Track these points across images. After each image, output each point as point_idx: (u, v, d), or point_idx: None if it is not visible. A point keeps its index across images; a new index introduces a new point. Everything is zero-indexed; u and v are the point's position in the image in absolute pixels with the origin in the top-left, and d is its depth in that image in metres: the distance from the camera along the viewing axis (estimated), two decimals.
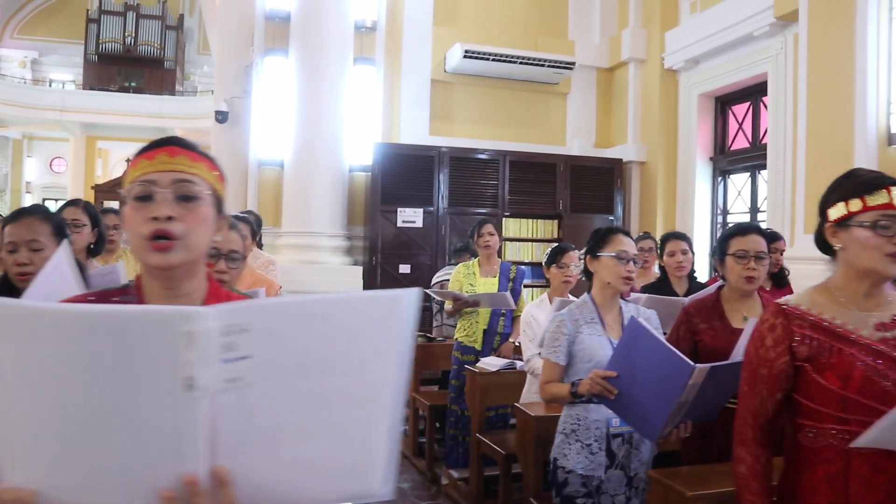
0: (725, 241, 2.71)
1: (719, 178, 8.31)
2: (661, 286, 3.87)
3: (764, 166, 7.35)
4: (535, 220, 8.37)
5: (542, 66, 8.55)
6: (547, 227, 8.45)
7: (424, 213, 7.89)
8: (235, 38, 8.51)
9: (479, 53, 8.26)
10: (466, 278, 4.51)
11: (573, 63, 8.62)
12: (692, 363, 2.02)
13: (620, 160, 8.69)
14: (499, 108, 8.88)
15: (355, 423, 0.98)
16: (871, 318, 1.64)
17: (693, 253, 3.95)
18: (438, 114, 8.63)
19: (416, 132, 8.43)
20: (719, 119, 8.33)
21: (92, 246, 3.20)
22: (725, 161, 8.19)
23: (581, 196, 8.44)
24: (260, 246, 4.56)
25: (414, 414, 4.94)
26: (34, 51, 22.70)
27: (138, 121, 21.02)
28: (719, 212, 8.34)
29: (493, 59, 8.33)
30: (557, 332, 2.51)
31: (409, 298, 0.99)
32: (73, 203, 3.25)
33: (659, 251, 4.15)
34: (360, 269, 7.90)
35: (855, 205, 1.64)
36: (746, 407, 1.71)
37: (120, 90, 21.82)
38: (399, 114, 8.48)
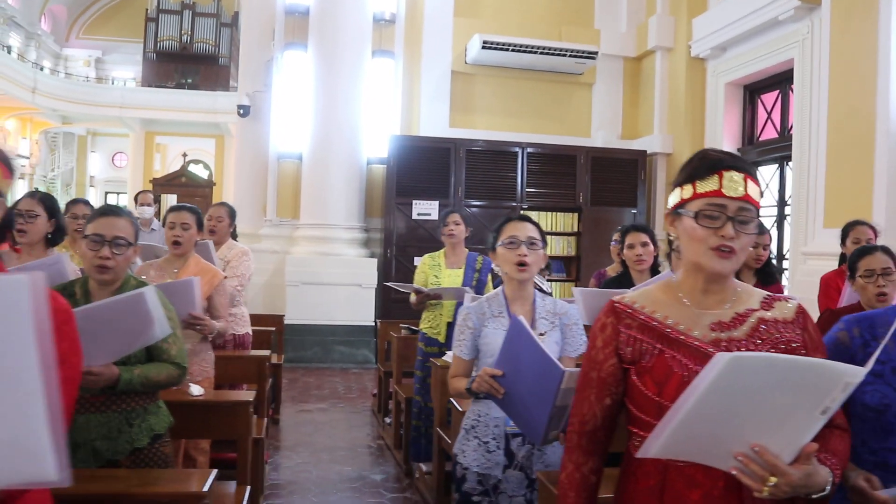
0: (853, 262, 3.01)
1: None
2: (622, 280, 3.74)
3: (792, 157, 7.03)
4: (554, 214, 8.23)
5: (564, 55, 8.39)
6: (567, 221, 8.30)
7: (440, 205, 7.83)
8: (258, 33, 8.64)
9: (498, 44, 8.15)
10: (432, 269, 4.44)
11: (595, 52, 8.42)
12: (562, 367, 1.93)
13: (644, 152, 8.46)
14: (521, 100, 8.75)
15: (6, 408, 0.99)
16: (707, 316, 1.48)
17: (655, 245, 3.79)
18: (459, 106, 8.57)
19: (436, 124, 8.39)
20: (748, 108, 8.02)
21: (49, 236, 3.27)
22: (754, 152, 7.87)
23: (602, 189, 8.25)
24: (234, 237, 4.60)
25: (396, 406, 4.93)
26: (98, 50, 23.59)
27: (194, 116, 21.60)
28: None
29: (513, 50, 8.21)
30: (463, 326, 2.44)
31: (21, 284, 0.97)
32: (29, 195, 3.32)
33: (620, 243, 4.01)
34: (374, 262, 7.92)
35: (687, 191, 1.47)
36: (576, 412, 1.59)
37: (176, 87, 22.47)
38: (419, 106, 8.46)
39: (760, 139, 7.89)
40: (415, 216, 7.87)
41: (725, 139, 7.97)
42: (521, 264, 2.40)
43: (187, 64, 23.09)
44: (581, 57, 8.43)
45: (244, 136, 8.90)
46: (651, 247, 3.71)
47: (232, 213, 4.50)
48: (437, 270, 4.42)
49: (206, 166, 24.29)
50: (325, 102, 7.87)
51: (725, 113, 7.97)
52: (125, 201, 23.26)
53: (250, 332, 4.47)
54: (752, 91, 7.97)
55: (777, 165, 7.61)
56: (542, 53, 8.31)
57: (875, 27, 5.69)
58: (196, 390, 2.99)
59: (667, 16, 8.50)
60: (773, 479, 1.21)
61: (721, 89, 8.00)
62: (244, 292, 4.42)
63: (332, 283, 7.68)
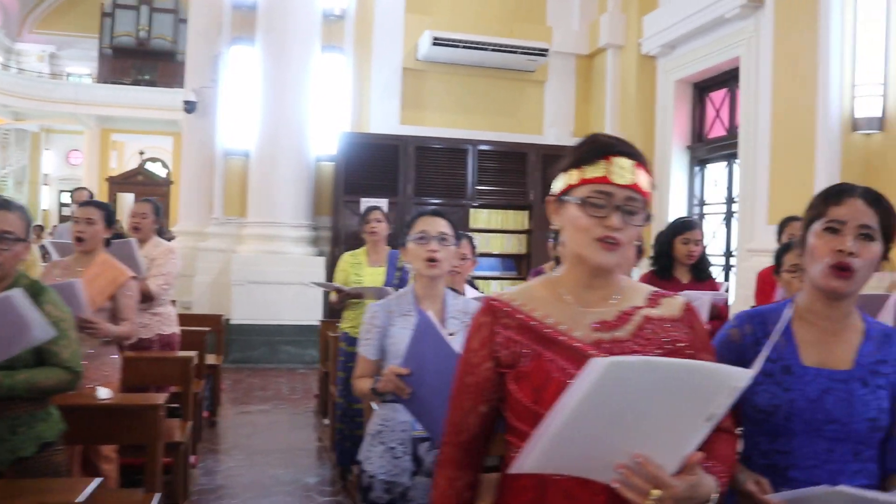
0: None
1: (696, 168, 8.03)
2: None
3: (738, 155, 7.06)
4: (505, 211, 8.18)
5: (515, 52, 8.34)
6: (518, 218, 8.25)
7: (389, 203, 7.73)
8: (205, 28, 8.46)
9: (448, 41, 8.08)
10: (353, 268, 4.34)
11: (546, 50, 8.39)
12: None
13: None
14: (473, 97, 8.69)
15: None
16: (590, 315, 1.38)
17: None
18: (410, 102, 8.48)
19: (387, 121, 8.30)
20: (697, 106, 8.05)
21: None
22: (703, 149, 7.91)
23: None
24: (161, 234, 4.46)
25: (332, 408, 4.83)
26: (52, 45, 22.97)
27: (151, 113, 21.16)
28: (696, 202, 8.06)
29: (464, 47, 8.15)
30: (370, 325, 2.34)
31: None
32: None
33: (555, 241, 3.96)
34: (322, 260, 7.81)
35: (573, 176, 1.36)
36: (449, 420, 1.48)
37: (133, 83, 21.97)
38: (369, 103, 8.35)
39: (709, 137, 7.92)
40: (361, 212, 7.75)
41: (675, 137, 8.00)
42: (431, 260, 2.31)
43: (144, 60, 22.62)
44: (532, 54, 8.39)
45: (191, 132, 8.71)
46: None
47: (157, 210, 4.36)
48: (358, 269, 4.32)
49: (165, 164, 23.85)
50: (272, 98, 7.73)
51: (675, 110, 7.99)
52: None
53: (178, 332, 4.33)
54: (702, 89, 8.00)
55: (726, 163, 7.65)
56: (493, 50, 8.26)
57: (815, 25, 5.72)
58: (104, 393, 2.87)
59: (618, 13, 8.50)
60: (655, 493, 1.12)
61: (671, 87, 8.02)
62: (170, 290, 4.27)
63: (279, 283, 7.54)
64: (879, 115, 5.45)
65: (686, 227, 3.85)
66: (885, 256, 1.61)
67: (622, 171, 1.33)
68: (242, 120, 8.09)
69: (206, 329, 5.03)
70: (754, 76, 6.66)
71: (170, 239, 5.51)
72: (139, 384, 3.75)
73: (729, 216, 7.54)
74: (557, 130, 8.82)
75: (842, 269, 1.52)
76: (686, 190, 8.06)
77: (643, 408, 1.11)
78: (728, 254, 7.50)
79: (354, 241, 7.77)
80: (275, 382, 7.00)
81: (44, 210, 23.02)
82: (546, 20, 8.94)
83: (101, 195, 22.13)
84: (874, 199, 1.56)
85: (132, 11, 22.24)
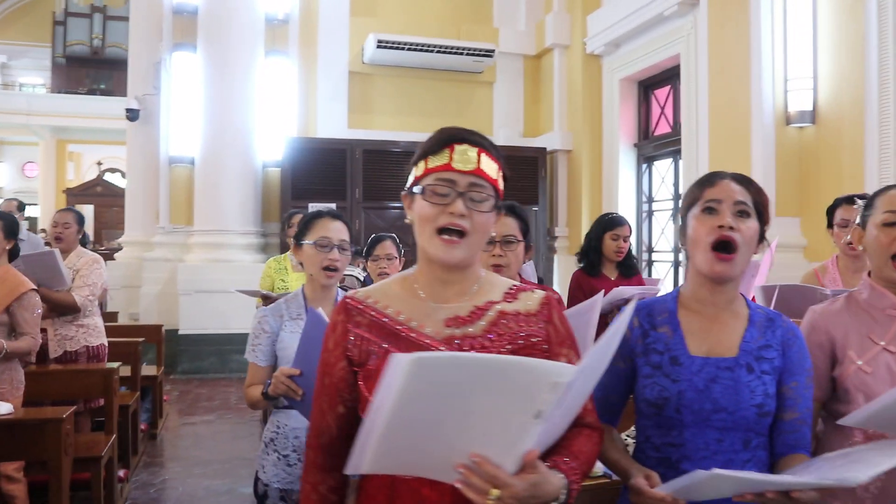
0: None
1: (644, 165, 8.08)
2: None
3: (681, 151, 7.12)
4: None
5: (462, 54, 8.34)
6: None
7: (337, 207, 7.66)
8: (146, 34, 8.33)
9: (393, 43, 8.05)
10: (278, 273, 4.31)
11: (493, 51, 8.40)
12: None
13: (544, 149, 8.47)
14: (421, 99, 8.67)
15: None
16: (443, 310, 1.36)
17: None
18: (357, 106, 8.43)
19: (334, 125, 8.24)
20: (642, 104, 8.11)
21: None
22: (650, 147, 7.96)
23: (505, 186, 8.19)
24: (84, 244, 4.37)
25: None
26: (3, 55, 22.53)
27: (107, 123, 20.76)
28: (644, 199, 8.11)
29: (409, 49, 8.12)
30: (259, 330, 2.29)
31: None
32: None
33: None
34: None
35: (420, 168, 1.36)
36: (311, 423, 1.47)
37: (88, 93, 21.60)
38: (316, 107, 8.29)
39: (655, 134, 7.98)
40: None
41: (622, 134, 8.05)
42: (330, 269, 2.28)
43: (99, 69, 22.24)
44: (478, 55, 8.40)
45: (134, 140, 8.58)
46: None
47: (80, 220, 4.27)
48: (283, 274, 4.28)
49: (124, 175, 23.48)
50: (216, 105, 7.63)
51: (621, 108, 8.04)
52: (36, 212, 22.34)
53: (105, 344, 4.24)
54: (646, 86, 8.06)
55: (671, 160, 7.71)
56: (438, 52, 8.25)
57: (747, 21, 5.79)
58: (3, 408, 2.79)
59: (563, 13, 8.54)
60: (495, 492, 1.09)
61: (616, 85, 8.07)
62: (95, 302, 4.18)
63: (227, 291, 7.41)
64: (811, 108, 5.54)
65: (615, 223, 3.87)
66: (761, 237, 1.62)
67: (464, 157, 1.32)
68: (187, 127, 7.98)
69: (139, 340, 4.93)
70: (693, 73, 6.72)
71: (108, 249, 5.40)
72: (61, 398, 3.66)
73: (676, 213, 7.61)
74: (507, 131, 8.83)
75: (724, 249, 1.52)
76: (634, 187, 8.12)
77: (465, 405, 1.08)
78: (677, 249, 7.56)
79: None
80: (223, 392, 6.90)
81: None
82: (493, 21, 8.96)
83: (60, 207, 21.77)
84: (744, 179, 1.60)
85: (85, 19, 21.88)
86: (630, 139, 8.09)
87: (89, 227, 21.66)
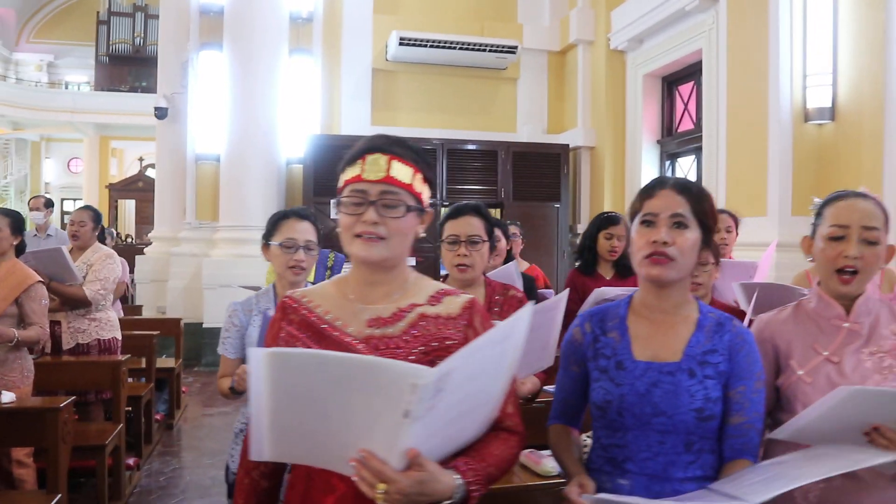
0: None
1: (667, 161, 8.00)
2: None
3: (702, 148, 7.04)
4: None
5: (485, 50, 8.36)
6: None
7: None
8: (174, 33, 8.52)
9: (415, 40, 8.10)
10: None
11: (516, 47, 8.40)
12: None
13: (567, 146, 8.44)
14: (444, 96, 8.70)
15: None
16: (368, 311, 1.42)
17: (508, 238, 3.80)
18: (381, 103, 8.50)
19: (358, 122, 8.32)
20: (666, 100, 8.02)
21: None
22: (673, 143, 7.88)
23: (525, 184, 8.21)
24: (102, 241, 4.51)
25: None
26: (50, 54, 23.23)
27: (148, 120, 21.18)
28: None
29: (431, 46, 8.16)
30: (229, 323, 2.38)
31: None
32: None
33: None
34: None
35: (341, 180, 1.43)
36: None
37: (130, 90, 22.17)
38: (339, 104, 8.38)
39: (679, 130, 7.89)
40: (334, 216, 7.77)
41: (645, 131, 7.98)
42: (296, 268, 2.35)
43: (141, 67, 22.78)
44: (502, 52, 8.40)
45: (163, 138, 8.79)
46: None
47: (95, 218, 4.41)
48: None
49: None
50: (241, 103, 7.78)
51: (644, 105, 7.97)
52: None
53: (118, 337, 4.37)
54: (670, 82, 7.97)
55: (694, 157, 7.62)
56: (461, 49, 8.27)
57: (766, 16, 5.70)
58: (6, 397, 2.91)
59: (587, 8, 8.49)
60: (381, 486, 1.14)
61: (640, 81, 8.00)
62: (109, 296, 4.31)
63: (248, 286, 7.56)
64: (830, 105, 5.43)
65: (609, 221, 3.84)
66: (707, 242, 1.62)
67: (374, 166, 1.37)
68: (213, 125, 8.14)
69: (154, 333, 5.07)
70: (715, 69, 6.64)
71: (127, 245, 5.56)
72: (72, 388, 3.80)
73: None
74: (531, 128, 8.81)
75: (657, 257, 1.55)
76: None
77: (337, 401, 1.13)
78: None
79: (326, 243, 7.81)
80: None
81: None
82: (517, 17, 8.94)
83: (102, 203, 22.34)
84: (683, 187, 1.59)
85: (128, 19, 22.43)
86: (653, 136, 8.02)
87: (130, 223, 22.25)
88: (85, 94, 21.83)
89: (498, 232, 3.71)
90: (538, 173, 8.27)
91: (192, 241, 8.19)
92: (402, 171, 1.38)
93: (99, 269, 4.21)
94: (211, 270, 7.69)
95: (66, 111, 20.89)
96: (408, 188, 1.39)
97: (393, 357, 1.28)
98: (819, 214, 1.79)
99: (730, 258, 4.03)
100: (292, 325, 1.45)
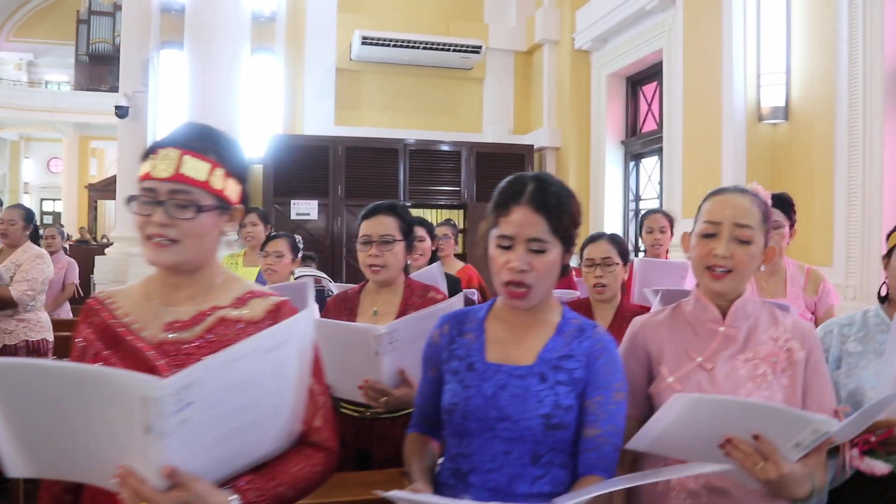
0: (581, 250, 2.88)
1: (631, 162, 7.95)
2: None
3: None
4: (438, 211, 8.11)
5: (449, 50, 8.28)
6: (452, 218, 8.17)
7: (319, 205, 7.69)
8: (136, 31, 8.41)
9: (378, 40, 8.02)
10: (230, 267, 4.33)
11: (480, 47, 8.33)
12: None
13: (531, 146, 8.37)
14: (409, 96, 8.62)
15: None
16: (168, 314, 1.35)
17: (432, 238, 3.73)
18: (344, 103, 8.42)
19: (321, 122, 8.23)
20: (630, 100, 7.97)
21: None
22: (637, 144, 7.83)
23: (489, 184, 8.05)
24: (35, 240, 4.42)
25: None
26: (29, 53, 23.05)
27: None
28: (632, 197, 7.98)
29: (394, 45, 8.08)
30: None
31: None
32: None
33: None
34: None
35: (139, 173, 1.36)
36: None
37: (110, 90, 21.94)
38: (303, 104, 8.30)
39: (643, 131, 7.84)
40: (293, 216, 7.72)
41: (609, 131, 7.92)
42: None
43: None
44: (466, 51, 8.33)
45: (125, 137, 8.67)
46: (428, 241, 3.66)
47: (27, 217, 4.32)
48: (234, 269, 4.30)
49: None
50: (201, 101, 7.65)
51: (608, 105, 7.92)
52: (61, 208, 22.81)
53: (49, 339, 4.29)
54: (634, 83, 7.92)
55: (657, 157, 7.57)
56: (425, 48, 8.20)
57: (720, 15, 5.65)
58: None
59: (553, 8, 8.42)
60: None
61: (604, 81, 7.95)
62: (39, 296, 4.22)
63: None
64: (783, 104, 5.38)
65: None
66: (568, 249, 1.55)
67: (164, 163, 1.30)
68: (174, 124, 8.03)
69: None
70: (674, 69, 6.59)
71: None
72: None
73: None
74: (497, 128, 8.75)
75: (517, 286, 1.47)
76: (622, 185, 7.99)
77: (77, 414, 1.05)
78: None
79: None
80: None
81: None
82: (483, 17, 8.87)
83: (82, 203, 22.20)
84: (540, 203, 1.48)
85: (108, 18, 22.28)
86: (617, 136, 7.97)
87: (111, 223, 22.08)
88: (64, 94, 21.68)
89: (422, 231, 3.66)
90: (502, 174, 7.92)
91: None
92: (196, 168, 1.30)
93: (27, 270, 4.12)
94: None
95: (45, 110, 20.73)
96: (202, 186, 1.31)
97: (183, 364, 1.21)
98: (699, 210, 1.71)
99: (665, 258, 3.98)
100: (91, 327, 1.38)
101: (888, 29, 4.57)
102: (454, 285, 3.46)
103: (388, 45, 8.05)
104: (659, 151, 7.46)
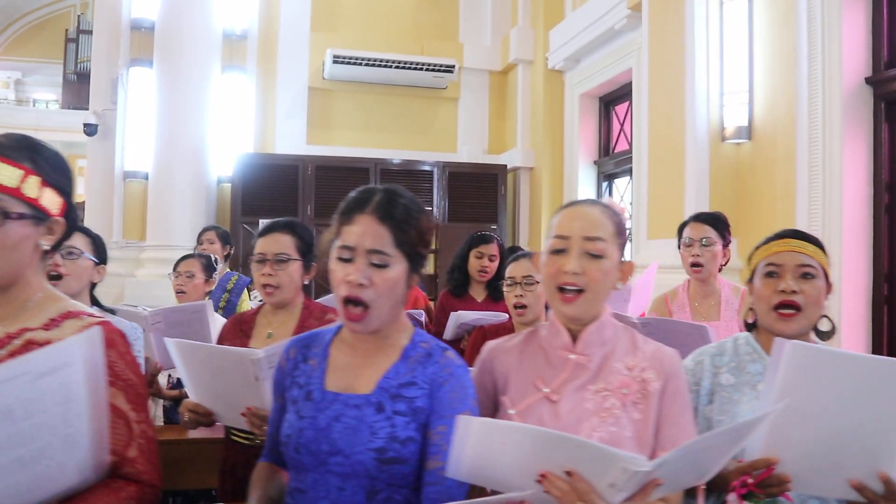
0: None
1: (604, 182, 7.87)
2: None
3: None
4: None
5: (421, 69, 8.23)
6: None
7: None
8: (106, 49, 8.36)
9: (349, 58, 7.97)
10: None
11: (453, 66, 8.28)
12: None
13: (505, 166, 8.31)
14: (382, 115, 8.56)
15: None
16: None
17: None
18: (317, 122, 8.35)
19: (293, 141, 8.17)
20: (603, 120, 7.91)
21: None
22: (610, 164, 7.76)
23: (461, 204, 8.06)
24: None
25: None
26: (18, 71, 23.03)
27: None
28: None
29: (366, 64, 8.03)
30: None
31: None
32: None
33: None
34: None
35: None
36: None
37: None
38: (275, 123, 8.23)
39: (615, 151, 7.78)
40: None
41: (582, 152, 7.86)
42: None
43: None
44: (439, 71, 8.28)
45: (93, 155, 8.59)
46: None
47: None
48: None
49: None
50: (169, 120, 7.60)
51: (581, 125, 7.86)
52: None
53: None
54: (607, 102, 7.87)
55: (629, 177, 7.49)
56: (397, 67, 8.14)
57: (682, 34, 5.61)
58: None
59: (527, 28, 8.39)
60: None
61: (576, 101, 7.90)
62: None
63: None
64: (746, 123, 5.32)
65: (480, 240, 3.69)
66: (415, 269, 1.45)
67: None
68: (143, 142, 7.97)
69: None
70: (642, 88, 6.53)
71: None
72: None
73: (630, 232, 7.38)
74: (471, 148, 8.68)
75: (355, 304, 1.38)
76: None
77: None
78: None
79: (233, 265, 7.64)
80: None
81: None
82: (458, 36, 8.84)
83: None
84: (386, 213, 1.39)
85: None
86: (590, 156, 7.90)
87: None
88: (50, 112, 21.63)
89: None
90: (474, 194, 8.12)
91: (118, 261, 7.95)
92: (5, 174, 1.22)
93: None
94: (135, 291, 7.47)
95: (31, 129, 20.63)
96: (13, 192, 1.22)
97: None
98: (550, 226, 1.61)
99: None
100: None
101: (846, 47, 4.52)
102: None
103: (360, 64, 7.99)
104: (630, 171, 7.39)
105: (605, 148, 7.88)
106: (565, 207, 1.55)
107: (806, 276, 1.68)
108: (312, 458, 1.36)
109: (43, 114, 21.24)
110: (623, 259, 1.53)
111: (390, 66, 8.11)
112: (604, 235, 1.47)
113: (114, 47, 8.27)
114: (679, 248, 3.04)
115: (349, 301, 1.37)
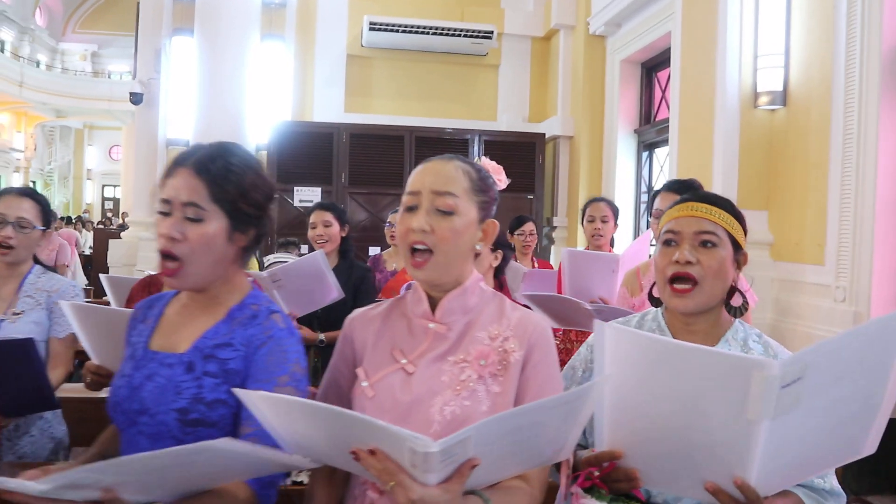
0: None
1: (644, 152, 7.61)
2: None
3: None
4: None
5: (460, 36, 8.09)
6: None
7: (322, 192, 7.64)
8: (151, 18, 8.52)
9: (385, 25, 7.90)
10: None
11: (491, 32, 8.11)
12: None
13: (543, 135, 8.11)
14: (421, 83, 8.47)
15: None
16: None
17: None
18: (355, 90, 8.34)
19: (331, 109, 8.18)
20: (645, 88, 7.62)
21: None
22: (651, 132, 7.48)
23: None
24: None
25: None
26: (94, 44, 23.90)
27: None
28: (644, 188, 7.64)
29: (403, 31, 7.94)
30: None
31: None
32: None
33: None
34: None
35: None
36: None
37: None
38: (313, 91, 8.26)
39: (657, 119, 7.49)
40: (297, 203, 7.69)
41: (621, 119, 7.60)
42: (4, 246, 2.32)
43: None
44: (478, 37, 8.12)
45: (140, 124, 8.82)
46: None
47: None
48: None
49: None
50: (209, 88, 7.70)
51: (622, 92, 7.59)
52: (121, 194, 23.59)
53: None
54: (649, 68, 7.57)
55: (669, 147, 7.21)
56: (435, 34, 8.02)
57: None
58: None
59: None
60: None
61: (617, 67, 7.62)
62: None
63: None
64: (781, 88, 5.01)
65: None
66: (240, 228, 1.40)
67: None
68: (184, 110, 8.13)
69: None
70: (678, 52, 6.24)
71: None
72: None
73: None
74: (510, 116, 8.51)
75: (167, 258, 1.36)
76: (634, 176, 7.66)
77: None
78: None
79: (288, 231, 7.72)
80: None
81: (87, 204, 23.97)
82: (500, 2, 8.64)
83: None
84: (203, 168, 1.35)
85: None
86: (630, 124, 7.63)
87: None
88: (121, 83, 22.35)
89: (328, 216, 3.55)
90: (511, 163, 7.89)
91: None
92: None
93: None
94: None
95: (105, 99, 21.43)
96: None
97: None
98: None
99: (609, 251, 3.73)
100: None
101: (887, 10, 4.17)
102: (362, 274, 3.33)
103: (397, 31, 7.91)
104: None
105: (647, 116, 7.59)
106: (420, 165, 1.46)
107: (705, 244, 1.51)
108: (125, 418, 1.33)
109: (116, 84, 21.95)
110: (487, 219, 1.43)
111: (428, 33, 8.00)
112: (454, 191, 1.37)
113: (157, 17, 8.43)
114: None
115: (164, 255, 1.33)
